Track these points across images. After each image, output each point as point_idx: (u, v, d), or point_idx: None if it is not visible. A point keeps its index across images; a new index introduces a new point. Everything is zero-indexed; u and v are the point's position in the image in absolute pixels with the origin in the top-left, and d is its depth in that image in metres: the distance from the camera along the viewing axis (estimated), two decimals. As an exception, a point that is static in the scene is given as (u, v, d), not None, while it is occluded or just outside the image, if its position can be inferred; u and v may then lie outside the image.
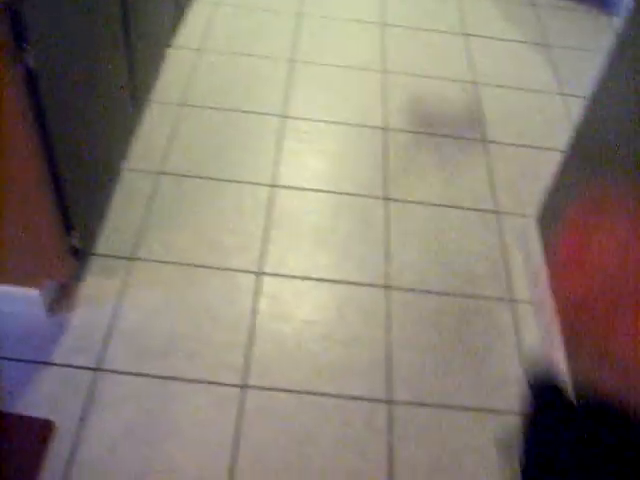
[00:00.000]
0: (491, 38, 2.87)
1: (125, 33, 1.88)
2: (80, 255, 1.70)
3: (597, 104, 1.73)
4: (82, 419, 1.57)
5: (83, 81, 1.60)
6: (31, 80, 1.30)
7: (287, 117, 2.39)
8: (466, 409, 1.70)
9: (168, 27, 2.47)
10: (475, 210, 2.17)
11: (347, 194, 2.15)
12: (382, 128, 2.38)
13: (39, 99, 1.34)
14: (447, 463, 1.60)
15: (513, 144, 2.41)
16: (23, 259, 1.62)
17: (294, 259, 1.96)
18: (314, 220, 2.07)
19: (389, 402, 1.69)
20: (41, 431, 1.53)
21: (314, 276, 1.92)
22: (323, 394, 1.68)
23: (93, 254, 1.89)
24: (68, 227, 1.61)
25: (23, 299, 1.70)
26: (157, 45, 2.32)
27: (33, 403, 1.59)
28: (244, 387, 1.67)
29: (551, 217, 1.93)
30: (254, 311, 1.82)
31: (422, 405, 1.69)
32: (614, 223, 1.20)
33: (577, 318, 1.65)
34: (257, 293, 1.86)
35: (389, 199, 2.15)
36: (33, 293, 1.69)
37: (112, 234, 1.95)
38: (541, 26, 2.98)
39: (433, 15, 2.95)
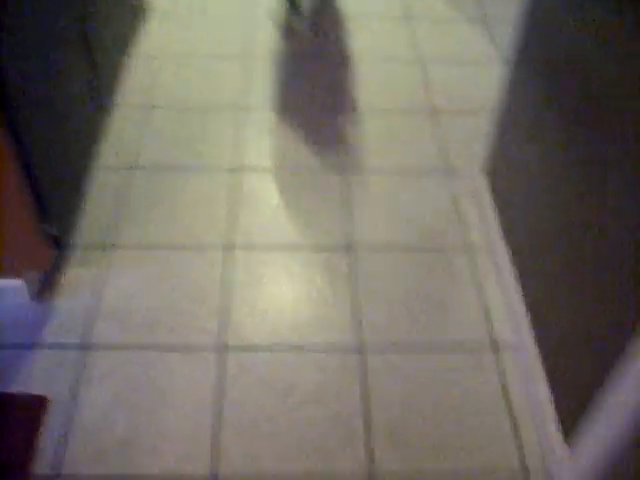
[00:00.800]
0: (434, 20, 3.03)
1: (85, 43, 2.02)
2: (58, 244, 1.81)
3: (512, 68, 1.88)
4: (74, 392, 1.68)
5: (49, 82, 1.72)
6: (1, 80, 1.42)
7: (244, 109, 2.52)
8: (432, 350, 1.82)
9: (126, 37, 2.61)
10: (430, 173, 2.31)
11: (306, 171, 2.29)
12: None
13: (8, 97, 1.46)
14: (419, 401, 1.72)
15: (460, 111, 2.56)
16: (5, 251, 1.73)
17: (261, 232, 2.08)
18: (277, 198, 2.20)
19: (361, 350, 1.80)
20: (35, 406, 1.64)
21: (280, 244, 2.05)
22: (298, 348, 1.80)
23: (72, 245, 2.01)
24: (45, 218, 1.73)
25: (8, 290, 1.81)
26: (117, 52, 2.45)
27: (26, 382, 1.69)
28: (224, 349, 1.79)
29: (495, 170, 2.07)
30: (227, 280, 1.94)
31: (393, 350, 1.81)
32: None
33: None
34: (228, 264, 1.99)
35: (347, 173, 2.29)
36: (18, 283, 1.80)
37: (89, 226, 2.07)
38: (479, 4, 3.15)
39: (379, 5, 3.11)
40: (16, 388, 1.68)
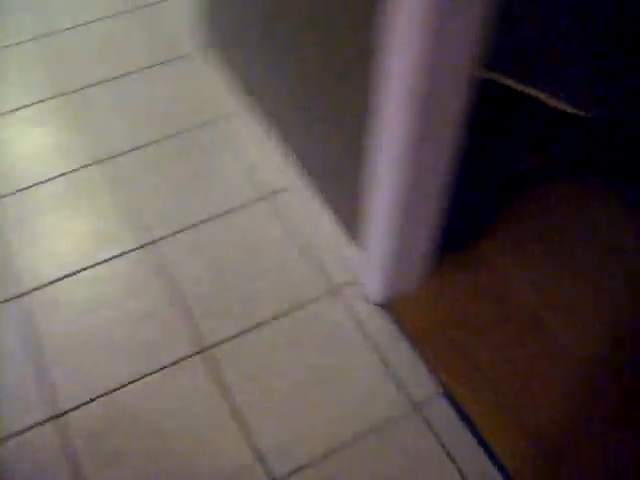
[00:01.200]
0: None
1: None
2: None
3: None
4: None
5: None
6: None
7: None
8: (216, 219, 1.90)
9: None
10: (153, 66, 2.30)
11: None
12: None
13: None
14: (222, 269, 1.80)
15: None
16: None
17: (21, 173, 2.04)
18: (31, 134, 2.13)
19: (153, 242, 1.86)
20: None
21: (41, 179, 2.02)
22: (92, 267, 1.83)
23: None
24: None
25: None
26: None
27: None
28: (23, 295, 1.78)
29: (216, 40, 2.06)
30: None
31: (181, 232, 1.87)
32: None
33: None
34: None
35: (69, 92, 2.26)
36: None
37: None
38: None
39: None
40: None
